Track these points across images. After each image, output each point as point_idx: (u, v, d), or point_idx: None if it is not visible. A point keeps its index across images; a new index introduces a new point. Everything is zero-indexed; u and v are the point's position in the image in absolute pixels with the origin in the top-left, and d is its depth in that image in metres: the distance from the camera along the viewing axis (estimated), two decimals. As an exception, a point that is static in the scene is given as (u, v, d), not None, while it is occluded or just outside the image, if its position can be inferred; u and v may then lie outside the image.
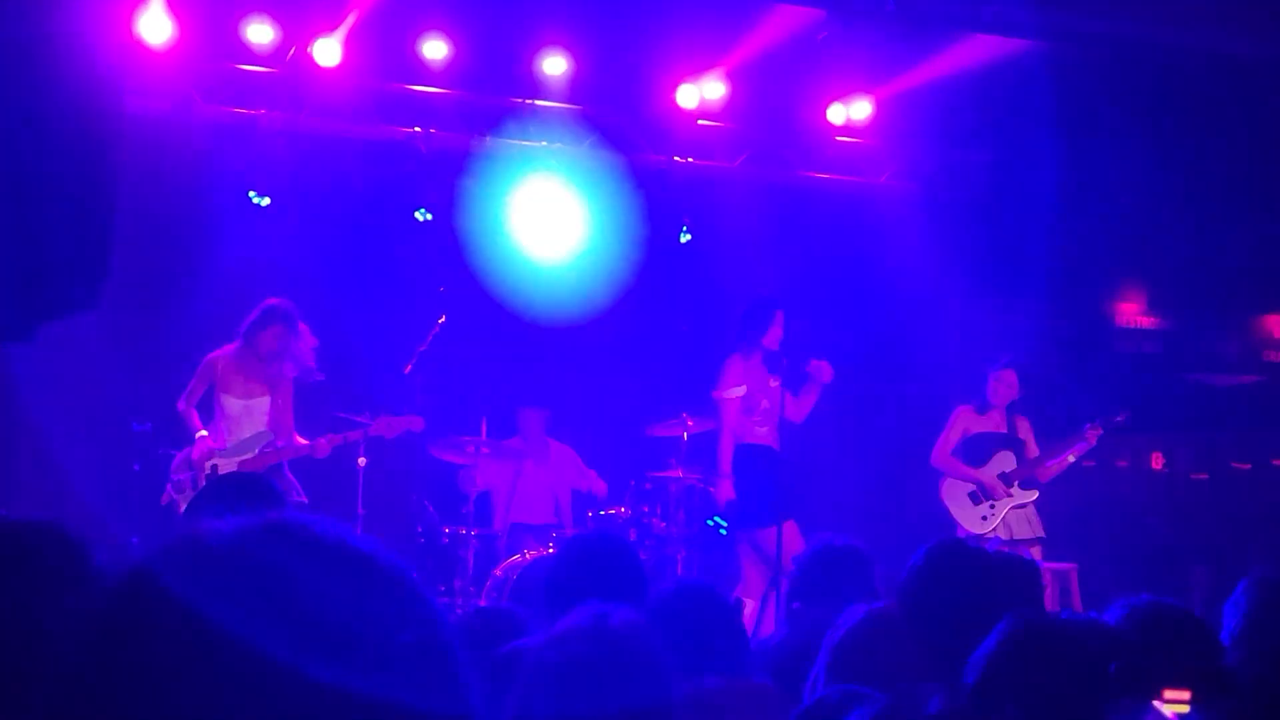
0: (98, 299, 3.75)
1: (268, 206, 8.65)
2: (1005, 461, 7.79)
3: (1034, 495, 7.84)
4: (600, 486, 8.47)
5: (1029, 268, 10.67)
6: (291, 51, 8.56)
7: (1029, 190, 10.22)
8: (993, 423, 7.89)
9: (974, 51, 8.93)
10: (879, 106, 9.67)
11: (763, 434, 7.54)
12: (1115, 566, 9.73)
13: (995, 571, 3.35)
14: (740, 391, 7.57)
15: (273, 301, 7.23)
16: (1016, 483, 7.78)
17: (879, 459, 9.80)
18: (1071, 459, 7.96)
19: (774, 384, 7.60)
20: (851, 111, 9.67)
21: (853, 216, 9.99)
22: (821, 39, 8.49)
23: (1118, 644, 1.63)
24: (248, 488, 3.24)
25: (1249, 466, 11.52)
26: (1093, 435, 7.86)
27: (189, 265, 8.60)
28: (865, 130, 9.80)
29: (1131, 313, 11.33)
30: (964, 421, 7.90)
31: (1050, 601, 7.39)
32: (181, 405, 7.27)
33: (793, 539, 7.09)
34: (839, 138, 9.84)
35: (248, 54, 8.58)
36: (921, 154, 10.14)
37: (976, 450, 7.83)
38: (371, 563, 0.87)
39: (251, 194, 8.60)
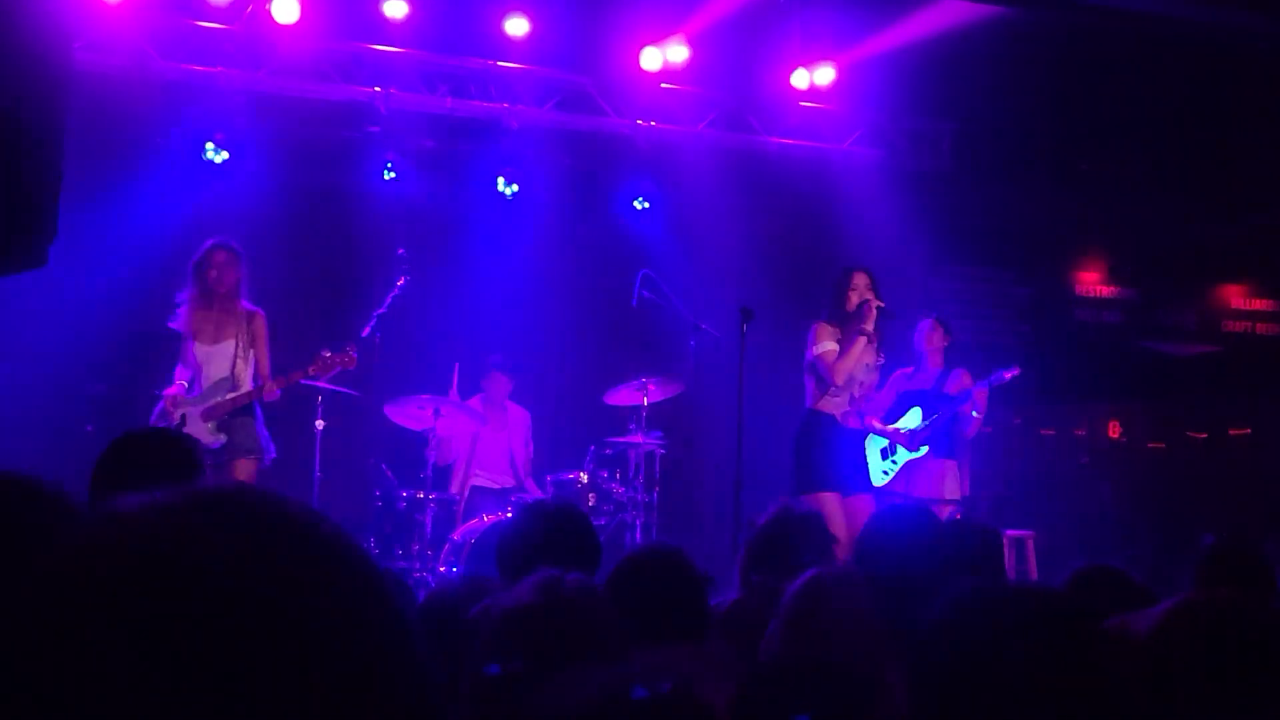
0: (45, 257, 3.67)
1: (225, 164, 8.53)
2: (913, 418, 7.77)
3: (922, 452, 7.72)
4: (529, 454, 8.46)
5: (991, 236, 10.71)
6: (250, 8, 8.43)
7: (992, 158, 10.23)
8: (922, 380, 7.88)
9: (940, 17, 8.90)
10: (843, 72, 9.63)
11: (835, 404, 6.92)
12: (1072, 534, 9.81)
13: (947, 535, 3.35)
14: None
15: (212, 240, 7.04)
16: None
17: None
18: (976, 415, 7.84)
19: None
20: (816, 76, 9.63)
21: (816, 182, 9.96)
22: (786, 1, 8.43)
23: (1053, 608, 1.62)
24: (154, 451, 3.18)
25: (1205, 436, 11.65)
26: (980, 394, 7.78)
27: (144, 223, 8.48)
28: (829, 95, 9.77)
29: (1091, 281, 11.38)
30: (897, 384, 7.86)
31: (1007, 568, 7.39)
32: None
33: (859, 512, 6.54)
34: (803, 103, 9.80)
35: (205, 10, 8.46)
36: (886, 120, 10.12)
37: (895, 407, 7.81)
38: (318, 541, 0.83)
39: (209, 146, 8.46)
